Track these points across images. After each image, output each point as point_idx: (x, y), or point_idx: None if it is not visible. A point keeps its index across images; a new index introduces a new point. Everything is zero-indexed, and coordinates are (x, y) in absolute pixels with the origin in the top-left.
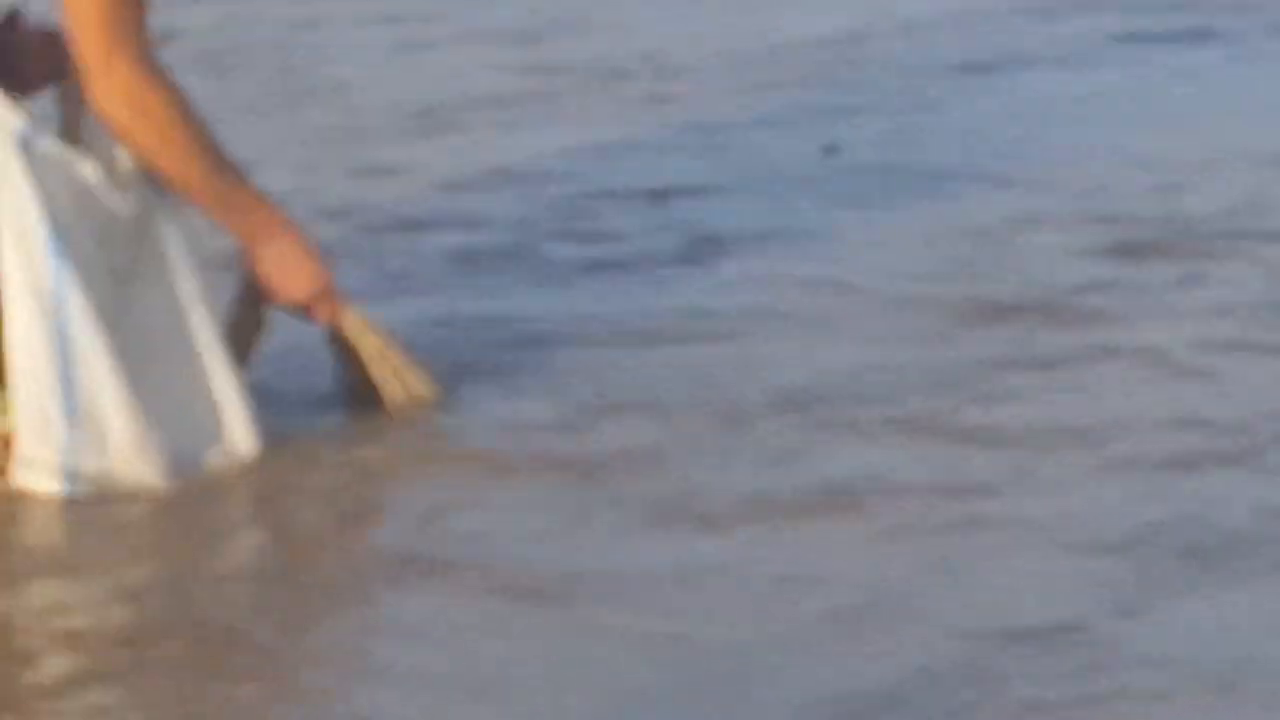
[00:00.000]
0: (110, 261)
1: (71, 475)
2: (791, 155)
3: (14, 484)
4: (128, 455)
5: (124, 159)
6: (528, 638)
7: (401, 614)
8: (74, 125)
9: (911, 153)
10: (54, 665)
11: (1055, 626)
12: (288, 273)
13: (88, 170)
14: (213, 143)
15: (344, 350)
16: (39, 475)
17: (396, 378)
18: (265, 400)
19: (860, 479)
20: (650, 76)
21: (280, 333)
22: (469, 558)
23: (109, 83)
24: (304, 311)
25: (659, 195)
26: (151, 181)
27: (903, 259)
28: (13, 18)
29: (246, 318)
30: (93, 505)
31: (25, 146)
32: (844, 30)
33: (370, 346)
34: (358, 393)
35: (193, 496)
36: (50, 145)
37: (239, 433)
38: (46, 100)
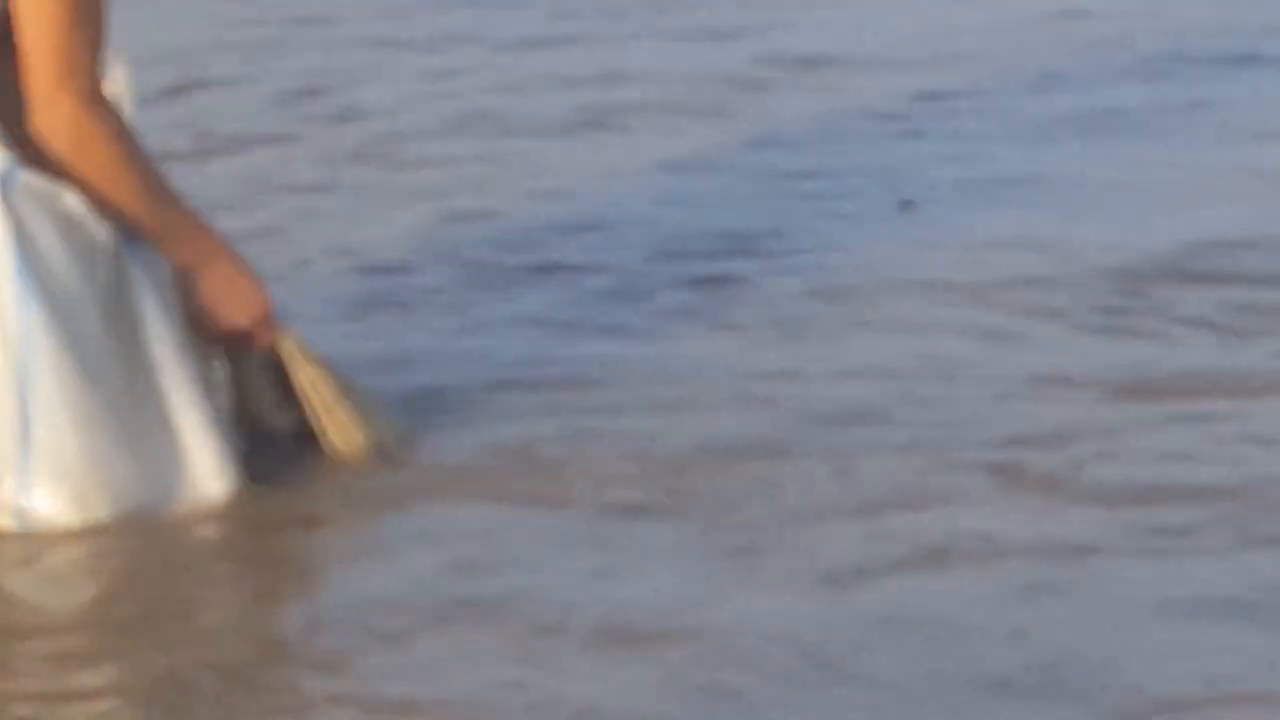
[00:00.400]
0: (96, 293)
1: (20, 513)
2: (873, 193)
3: None
4: (81, 496)
5: None
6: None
7: (412, 657)
8: None
9: (1000, 189)
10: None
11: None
12: (229, 297)
13: (70, 201)
14: (154, 173)
15: (279, 380)
16: None
17: (329, 415)
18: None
19: (960, 532)
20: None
21: None
22: (496, 600)
23: (53, 114)
24: (243, 340)
25: (735, 236)
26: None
27: (1008, 298)
28: None
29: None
30: (67, 542)
31: (3, 183)
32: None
33: (305, 378)
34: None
35: (165, 535)
36: (30, 178)
37: (211, 473)
38: None
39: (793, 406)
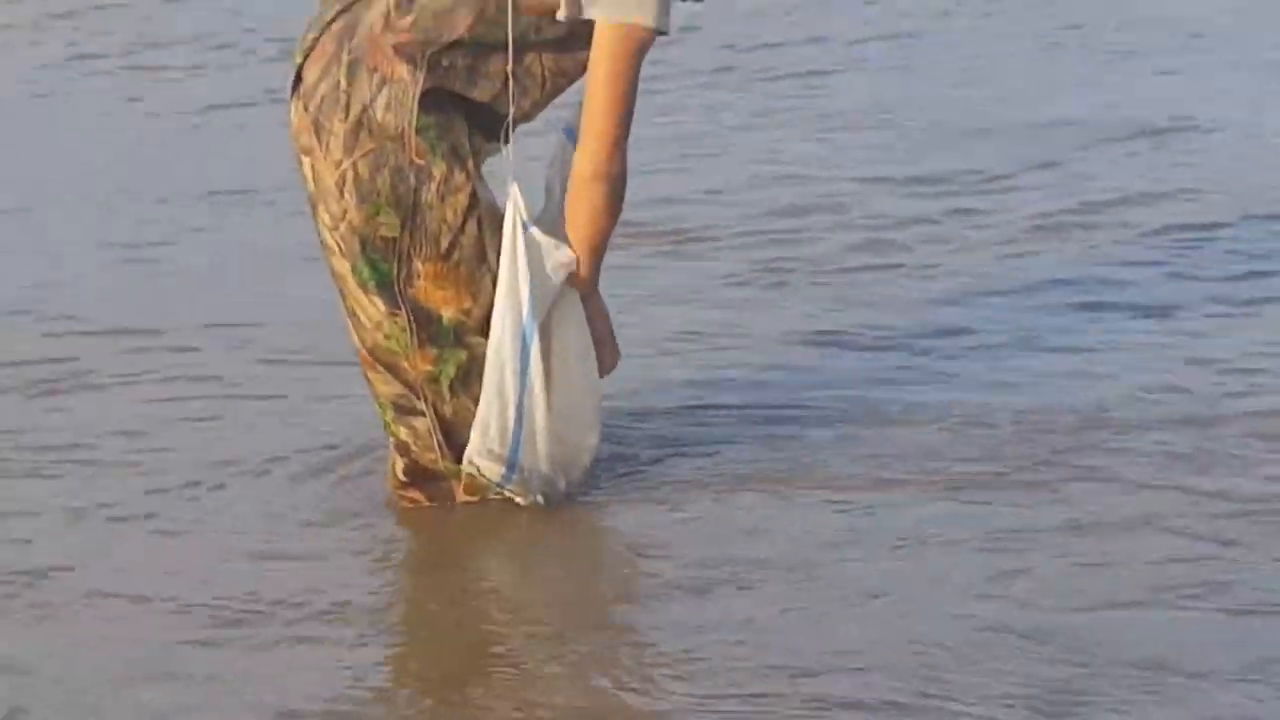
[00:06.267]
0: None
1: (512, 465)
2: None
3: (465, 469)
4: (546, 461)
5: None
6: None
7: None
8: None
9: None
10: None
11: None
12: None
13: (562, 253)
14: (608, 230)
15: None
16: (490, 464)
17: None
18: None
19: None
20: None
21: None
22: None
23: (591, 187)
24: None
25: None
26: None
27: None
28: None
29: None
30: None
31: (524, 232)
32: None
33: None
34: None
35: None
36: (537, 233)
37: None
38: None
39: None
